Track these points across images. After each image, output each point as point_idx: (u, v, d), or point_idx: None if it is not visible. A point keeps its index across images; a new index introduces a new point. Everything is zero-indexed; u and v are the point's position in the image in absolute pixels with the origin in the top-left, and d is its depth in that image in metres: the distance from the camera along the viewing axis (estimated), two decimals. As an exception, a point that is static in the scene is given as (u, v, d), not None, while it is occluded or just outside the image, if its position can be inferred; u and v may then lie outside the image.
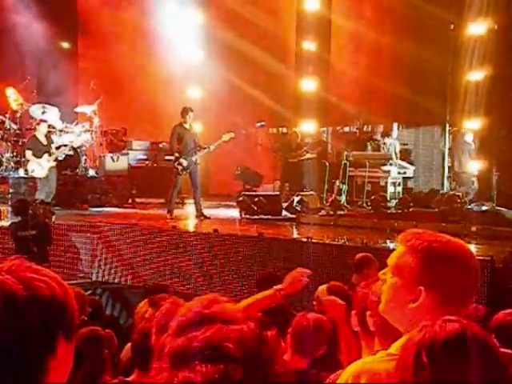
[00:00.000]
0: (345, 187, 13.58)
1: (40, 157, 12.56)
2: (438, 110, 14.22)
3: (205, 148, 12.05)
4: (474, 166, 14.33)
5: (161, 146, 16.10)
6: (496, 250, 8.11)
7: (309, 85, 15.27)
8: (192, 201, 12.53)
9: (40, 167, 12.53)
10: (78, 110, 15.43)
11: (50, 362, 1.26)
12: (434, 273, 1.95)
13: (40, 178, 12.58)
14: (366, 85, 14.51)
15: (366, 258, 6.22)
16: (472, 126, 13.90)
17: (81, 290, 5.41)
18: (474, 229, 9.75)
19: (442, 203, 13.45)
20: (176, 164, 11.77)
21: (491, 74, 13.60)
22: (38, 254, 9.03)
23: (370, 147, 14.66)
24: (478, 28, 13.52)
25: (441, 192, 13.93)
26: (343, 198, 13.48)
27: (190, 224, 11.75)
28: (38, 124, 12.87)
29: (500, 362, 1.54)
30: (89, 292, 8.94)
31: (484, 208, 13.55)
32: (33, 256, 8.37)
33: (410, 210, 12.86)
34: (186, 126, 11.94)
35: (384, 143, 14.67)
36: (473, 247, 8.42)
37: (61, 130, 14.25)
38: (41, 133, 12.76)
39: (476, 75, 13.62)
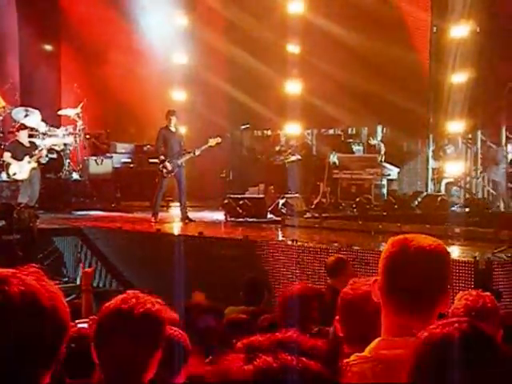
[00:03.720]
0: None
1: (21, 159, 12.46)
2: (423, 112, 14.31)
3: (190, 152, 12.02)
4: (457, 168, 14.43)
5: (145, 149, 16.04)
6: (480, 251, 8.16)
7: (293, 87, 15.30)
8: (177, 204, 12.50)
9: (21, 170, 12.44)
10: (62, 112, 15.34)
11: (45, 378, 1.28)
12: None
13: (22, 181, 12.49)
14: (350, 87, 14.54)
15: (338, 261, 6.19)
16: (455, 128, 14.00)
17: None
18: (457, 230, 9.80)
19: (425, 205, 13.53)
20: (161, 167, 11.74)
21: (474, 76, 13.72)
22: (23, 258, 8.95)
23: (355, 149, 14.71)
24: (460, 31, 13.62)
25: (425, 194, 14.01)
26: (327, 201, 13.51)
27: (175, 227, 11.71)
28: (18, 130, 12.78)
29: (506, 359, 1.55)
30: (73, 296, 8.87)
31: (467, 210, 13.64)
32: (18, 260, 8.30)
33: (395, 211, 12.90)
34: (172, 128, 11.91)
35: (370, 145, 14.74)
36: (456, 249, 8.47)
37: (44, 133, 14.16)
38: (23, 137, 12.67)
39: (459, 77, 13.72)
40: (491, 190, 14.44)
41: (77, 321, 4.20)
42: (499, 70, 13.73)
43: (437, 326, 1.58)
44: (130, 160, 16.26)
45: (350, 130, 16.03)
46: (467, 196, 14.32)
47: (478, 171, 14.50)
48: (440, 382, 1.53)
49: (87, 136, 15.08)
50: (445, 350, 1.53)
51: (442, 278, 1.98)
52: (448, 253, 2.04)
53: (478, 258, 7.29)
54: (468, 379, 1.51)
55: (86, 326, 4.22)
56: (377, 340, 2.00)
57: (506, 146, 12.74)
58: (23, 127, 12.87)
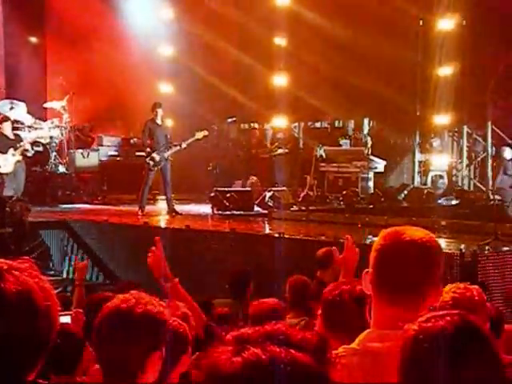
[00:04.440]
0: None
1: (5, 152, 12.36)
2: (409, 105, 14.34)
3: (176, 145, 11.99)
4: (443, 161, 14.50)
5: (132, 142, 15.98)
6: (465, 243, 8.21)
7: (280, 80, 15.28)
8: (164, 197, 12.46)
9: (6, 162, 12.33)
10: (47, 105, 15.23)
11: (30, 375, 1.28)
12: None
13: (7, 174, 12.39)
14: (337, 80, 14.56)
15: (328, 253, 6.20)
16: (441, 121, 14.06)
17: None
18: (443, 223, 9.85)
19: (412, 198, 13.60)
20: (148, 160, 11.69)
21: (460, 69, 13.76)
22: (15, 251, 8.90)
23: (342, 142, 14.73)
24: (446, 24, 13.65)
25: (411, 186, 14.07)
26: (314, 194, 13.54)
27: (162, 220, 11.69)
28: (1, 122, 12.66)
29: (496, 352, 1.57)
30: (59, 289, 8.85)
31: (453, 202, 13.72)
32: (10, 254, 8.26)
33: (381, 204, 12.95)
34: (158, 121, 11.86)
35: (357, 138, 14.76)
36: (442, 241, 8.51)
37: (30, 126, 14.06)
38: (6, 129, 12.56)
39: (445, 70, 13.76)
40: (477, 183, 14.53)
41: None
42: (485, 63, 13.79)
43: (427, 319, 1.58)
44: (116, 153, 16.19)
45: (336, 123, 16.05)
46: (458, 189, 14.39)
47: (464, 164, 14.58)
48: (434, 375, 1.53)
49: (71, 129, 14.97)
50: (439, 343, 1.53)
51: (434, 270, 1.97)
52: (439, 246, 2.04)
53: (463, 251, 7.34)
54: (460, 373, 1.52)
55: (68, 319, 4.20)
56: (366, 332, 2.00)
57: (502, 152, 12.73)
58: (6, 119, 12.76)
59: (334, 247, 4.17)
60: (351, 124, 15.70)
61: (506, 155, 12.65)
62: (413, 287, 1.94)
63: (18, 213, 10.05)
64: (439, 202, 13.54)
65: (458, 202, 13.52)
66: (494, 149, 14.47)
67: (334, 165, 13.84)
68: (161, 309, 2.15)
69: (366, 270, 2.03)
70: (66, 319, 4.23)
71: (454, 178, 14.60)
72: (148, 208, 12.22)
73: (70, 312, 4.49)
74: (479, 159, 14.60)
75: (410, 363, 1.55)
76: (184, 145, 12.02)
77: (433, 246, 1.98)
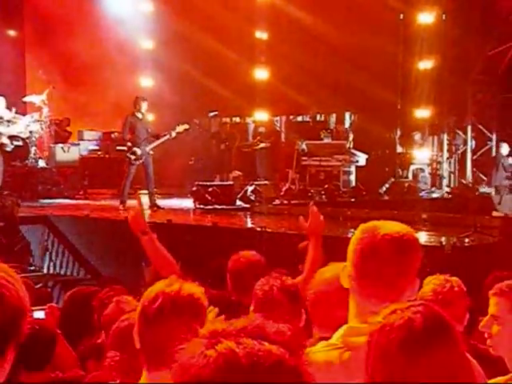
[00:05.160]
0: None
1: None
2: (390, 99, 14.39)
3: (158, 139, 11.93)
4: (424, 155, 14.58)
5: (113, 136, 15.88)
6: (446, 236, 8.27)
7: (261, 74, 15.26)
8: (145, 191, 12.41)
9: None
10: (27, 99, 15.07)
11: None
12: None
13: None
14: (318, 74, 14.57)
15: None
16: (422, 114, 14.12)
17: (28, 282, 5.28)
18: (424, 216, 9.91)
19: (393, 191, 13.67)
20: (129, 154, 11.63)
21: (440, 63, 13.84)
22: (6, 245, 8.84)
23: (323, 136, 14.75)
24: (426, 17, 13.71)
25: (392, 180, 14.14)
26: (296, 187, 13.56)
27: (144, 215, 11.61)
28: None
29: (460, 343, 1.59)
30: (40, 285, 8.78)
31: (434, 195, 13.82)
32: (2, 248, 8.23)
33: (363, 198, 13.00)
34: (139, 115, 11.79)
35: (339, 132, 14.79)
36: (423, 234, 8.57)
37: (9, 121, 13.91)
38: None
39: (426, 64, 13.82)
40: (458, 176, 14.64)
41: (33, 308, 4.12)
42: (465, 57, 13.88)
43: (393, 311, 1.59)
44: (97, 147, 16.10)
45: (318, 116, 16.08)
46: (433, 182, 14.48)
47: (445, 157, 14.67)
48: (400, 365, 1.54)
49: (51, 123, 14.83)
50: (405, 334, 1.55)
51: (411, 264, 1.98)
52: (417, 239, 2.05)
53: (443, 243, 7.39)
54: (426, 362, 1.54)
55: (42, 314, 4.16)
56: (344, 327, 2.00)
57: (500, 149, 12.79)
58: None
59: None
60: (333, 118, 15.74)
61: (503, 151, 12.71)
62: (390, 281, 1.95)
63: (9, 207, 9.97)
64: (420, 194, 13.62)
65: (444, 193, 13.63)
66: (474, 142, 14.58)
67: (316, 159, 13.86)
68: (201, 293, 2.15)
69: (344, 264, 2.03)
70: (41, 314, 4.19)
71: (434, 172, 14.69)
72: (129, 202, 12.14)
73: (44, 307, 4.45)
74: (459, 152, 14.70)
75: (377, 355, 1.56)
76: (165, 138, 11.97)
77: (410, 240, 1.99)
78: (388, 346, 1.55)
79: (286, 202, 12.57)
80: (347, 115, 15.51)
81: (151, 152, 11.85)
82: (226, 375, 1.02)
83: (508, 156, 12.96)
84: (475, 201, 12.67)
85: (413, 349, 1.53)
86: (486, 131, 14.45)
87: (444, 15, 13.88)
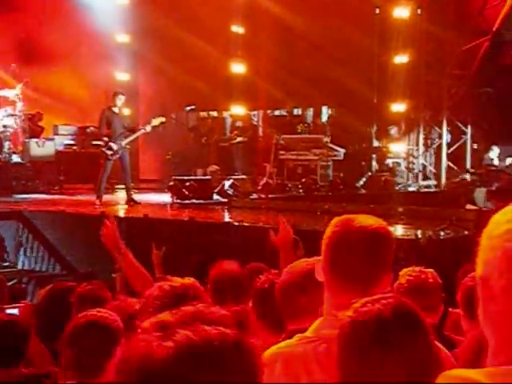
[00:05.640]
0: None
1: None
2: (367, 93, 14.46)
3: (134, 133, 11.86)
4: (400, 149, 14.67)
5: (88, 130, 15.73)
6: (422, 229, 8.33)
7: (238, 68, 15.22)
8: (122, 186, 12.33)
9: None
10: (0, 94, 14.87)
11: None
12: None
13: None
14: (295, 68, 14.58)
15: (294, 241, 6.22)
16: (398, 108, 14.20)
17: (2, 278, 5.22)
18: (400, 209, 9.98)
19: (370, 185, 13.75)
20: (105, 149, 11.54)
21: (415, 57, 13.93)
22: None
23: (301, 130, 14.78)
24: (402, 12, 13.77)
25: (369, 174, 14.22)
26: (274, 182, 13.56)
27: (120, 209, 11.56)
28: None
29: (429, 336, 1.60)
30: (14, 281, 8.69)
31: (411, 189, 13.92)
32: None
33: (340, 192, 13.05)
34: (115, 109, 11.70)
35: (316, 126, 14.83)
36: (399, 227, 8.63)
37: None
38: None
39: (401, 58, 13.90)
40: (433, 170, 14.75)
41: (5, 306, 4.08)
42: (440, 52, 13.98)
43: (363, 304, 1.61)
44: (72, 142, 15.93)
45: (295, 111, 16.09)
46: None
47: (421, 151, 14.77)
48: (371, 358, 1.56)
49: (25, 117, 14.65)
50: (376, 327, 1.56)
51: (385, 257, 2.00)
52: (390, 233, 2.07)
53: (419, 236, 7.45)
54: (396, 354, 1.55)
55: (16, 311, 4.11)
56: (319, 320, 2.01)
57: (489, 151, 12.80)
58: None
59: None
60: (310, 112, 15.76)
61: (492, 155, 12.70)
62: (364, 274, 1.96)
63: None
64: (397, 188, 13.71)
65: (414, 188, 13.73)
66: (449, 136, 14.70)
67: (293, 153, 13.88)
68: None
69: (318, 257, 2.03)
70: (15, 311, 4.15)
71: (410, 165, 14.79)
72: (106, 197, 12.07)
73: (18, 305, 4.40)
74: (435, 146, 14.81)
75: (348, 349, 1.58)
76: (141, 132, 11.90)
77: (383, 233, 2.00)
78: (359, 340, 1.56)
79: (263, 196, 12.57)
80: (324, 109, 15.55)
81: (127, 146, 11.77)
82: (188, 363, 1.02)
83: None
84: (449, 194, 12.82)
85: (383, 341, 1.54)
86: (460, 125, 14.58)
87: (419, 10, 13.97)
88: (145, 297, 2.09)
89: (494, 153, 12.68)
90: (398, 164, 14.60)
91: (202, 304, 1.13)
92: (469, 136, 14.55)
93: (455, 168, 14.33)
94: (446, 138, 14.54)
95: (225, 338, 1.06)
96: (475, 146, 14.69)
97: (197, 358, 1.03)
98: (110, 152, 11.50)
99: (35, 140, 14.70)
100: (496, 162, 12.70)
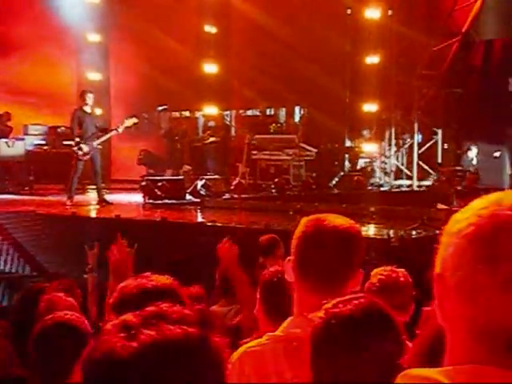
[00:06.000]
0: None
1: None
2: (340, 93, 14.53)
3: (106, 133, 11.78)
4: (372, 148, 14.77)
5: (59, 130, 15.57)
6: (393, 228, 8.39)
7: (210, 68, 15.19)
8: (93, 186, 12.23)
9: None
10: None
11: None
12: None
13: None
14: (268, 68, 14.59)
15: (272, 240, 6.24)
16: (370, 108, 14.31)
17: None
18: (372, 209, 10.04)
19: (342, 184, 13.81)
20: (76, 149, 11.44)
21: (386, 58, 14.05)
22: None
23: (273, 130, 14.79)
24: (373, 13, 13.88)
25: (341, 173, 14.28)
26: (247, 182, 13.57)
27: (91, 210, 11.46)
28: None
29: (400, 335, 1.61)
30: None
31: (383, 189, 14.02)
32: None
33: (313, 191, 13.09)
34: (87, 109, 11.60)
35: (289, 126, 14.86)
36: (371, 227, 8.68)
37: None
38: None
39: (373, 59, 14.00)
40: (405, 169, 14.87)
41: None
42: (411, 52, 14.11)
43: (334, 305, 1.62)
44: (43, 142, 15.75)
45: (268, 110, 16.11)
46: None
47: (393, 151, 14.89)
48: (344, 357, 1.57)
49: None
50: (348, 327, 1.57)
51: (355, 257, 2.01)
52: (360, 232, 2.08)
53: (391, 235, 7.50)
54: (368, 353, 1.57)
55: None
56: (289, 319, 2.01)
57: (467, 151, 12.89)
58: None
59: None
60: (283, 112, 15.80)
61: (471, 155, 12.78)
62: (334, 273, 1.97)
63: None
64: (369, 188, 13.80)
65: (386, 188, 13.84)
66: (420, 136, 14.84)
67: (266, 153, 13.89)
68: None
69: (288, 257, 2.04)
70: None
71: (382, 165, 14.90)
72: (77, 198, 11.96)
73: None
74: (407, 146, 14.94)
75: (320, 350, 1.58)
76: (113, 133, 11.82)
77: (353, 232, 2.01)
78: (331, 340, 1.56)
79: (236, 196, 12.56)
80: (297, 109, 15.59)
81: (99, 147, 11.68)
82: (153, 363, 1.02)
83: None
84: (421, 194, 12.94)
85: (355, 341, 1.55)
86: (431, 125, 14.73)
87: (390, 11, 14.09)
88: (119, 292, 2.06)
89: (473, 152, 12.80)
90: (371, 164, 14.70)
91: (166, 304, 1.12)
92: (440, 136, 14.70)
93: (426, 168, 14.47)
94: (417, 138, 14.68)
95: (189, 336, 1.06)
96: (446, 146, 14.84)
97: (161, 357, 1.03)
98: (81, 152, 11.40)
99: (5, 140, 14.50)
100: (475, 161, 12.79)
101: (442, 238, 0.99)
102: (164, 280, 2.07)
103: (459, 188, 12.05)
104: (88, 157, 11.48)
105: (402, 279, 3.40)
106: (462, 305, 0.95)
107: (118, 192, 13.62)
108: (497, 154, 12.31)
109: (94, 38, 16.25)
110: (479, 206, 0.96)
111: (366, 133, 14.79)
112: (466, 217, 0.96)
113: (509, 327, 0.92)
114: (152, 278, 2.07)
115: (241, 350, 2.03)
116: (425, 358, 1.67)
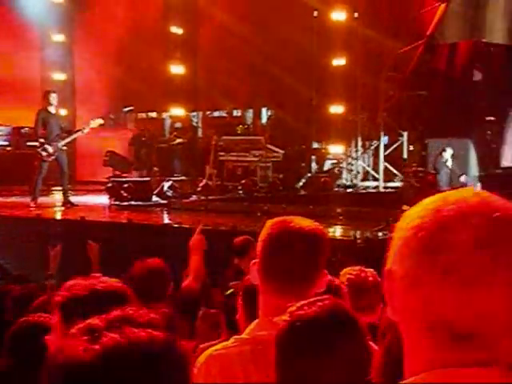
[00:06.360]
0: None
1: None
2: (307, 95, 14.59)
3: (71, 134, 11.65)
4: (339, 150, 14.87)
5: (23, 131, 15.36)
6: (360, 230, 8.45)
7: (177, 69, 15.12)
8: (59, 188, 12.08)
9: None
10: None
11: None
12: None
13: None
14: (235, 69, 14.59)
15: (246, 241, 6.24)
16: (337, 110, 14.39)
17: None
18: (339, 210, 10.10)
19: (309, 186, 13.87)
20: (40, 150, 11.28)
21: (352, 60, 14.15)
22: None
23: (240, 131, 14.78)
24: (339, 15, 13.98)
25: (308, 175, 14.34)
26: (214, 183, 13.53)
27: (56, 212, 11.31)
28: None
29: (364, 339, 1.62)
30: None
31: (349, 190, 14.11)
32: None
33: (280, 193, 13.11)
34: (51, 110, 11.45)
35: (256, 127, 14.87)
36: (338, 228, 8.72)
37: None
38: None
39: (339, 61, 14.10)
40: (371, 171, 14.99)
41: None
42: (376, 55, 14.24)
43: (299, 308, 1.63)
44: (6, 143, 15.53)
45: (235, 112, 16.10)
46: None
47: (359, 152, 15.00)
48: (310, 360, 1.57)
49: None
50: (313, 329, 1.58)
51: (319, 258, 2.02)
52: (325, 234, 2.10)
53: (357, 237, 7.54)
54: (333, 355, 1.57)
55: None
56: (255, 321, 2.01)
57: (441, 153, 12.97)
58: None
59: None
60: (250, 113, 15.80)
61: (446, 155, 12.86)
62: (300, 275, 1.98)
63: None
64: (336, 189, 13.87)
65: (352, 189, 13.93)
66: (386, 138, 14.97)
67: (233, 154, 13.87)
68: None
69: (253, 260, 2.04)
70: None
71: (349, 167, 15.00)
72: (42, 199, 11.80)
73: None
74: (373, 148, 15.06)
75: (285, 352, 1.58)
76: (78, 134, 11.69)
77: (318, 234, 2.02)
78: (296, 342, 1.57)
79: (203, 197, 12.52)
80: (264, 111, 15.61)
81: (64, 148, 11.55)
82: (116, 366, 1.01)
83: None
84: (387, 195, 13.05)
85: (319, 343, 1.56)
86: (397, 127, 14.87)
87: (356, 13, 14.20)
88: (67, 290, 2.01)
89: (448, 154, 12.95)
90: (337, 165, 14.78)
91: (132, 307, 1.11)
92: (405, 138, 14.85)
93: (393, 169, 14.60)
94: (384, 139, 14.80)
95: (153, 340, 1.05)
96: (412, 148, 15.00)
97: (125, 360, 1.01)
98: (45, 153, 11.25)
99: (-34, 141, 14.27)
100: (450, 162, 12.93)
101: (394, 234, 1.01)
102: (115, 283, 2.04)
103: (419, 188, 12.20)
104: (52, 158, 11.34)
105: (370, 279, 3.41)
106: (407, 298, 0.96)
107: (83, 194, 13.47)
108: (462, 178, 12.50)
109: (58, 37, 16.05)
110: (428, 202, 0.99)
111: (332, 134, 14.87)
112: (414, 212, 0.99)
113: (449, 319, 0.92)
114: (102, 280, 2.04)
115: (207, 353, 2.01)
116: (393, 364, 1.68)
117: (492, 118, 13.96)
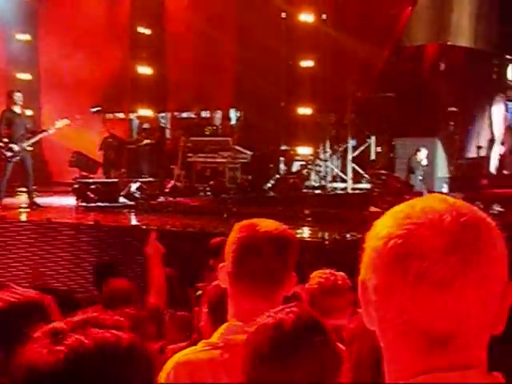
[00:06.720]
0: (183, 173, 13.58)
1: None
2: (275, 96, 14.62)
3: (36, 134, 11.50)
4: (307, 151, 14.92)
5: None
6: (328, 231, 8.47)
7: (145, 70, 15.02)
8: (24, 189, 11.90)
9: None
10: None
11: None
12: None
13: None
14: (204, 70, 14.54)
15: (222, 242, 6.20)
16: (305, 111, 14.44)
17: None
18: (307, 212, 10.12)
19: (278, 187, 13.89)
20: (5, 151, 11.11)
21: (320, 61, 14.24)
22: None
23: (208, 133, 14.73)
24: (307, 17, 14.04)
25: (277, 176, 14.36)
26: (182, 184, 13.47)
27: (21, 213, 11.13)
28: None
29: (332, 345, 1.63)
30: None
31: (317, 192, 14.17)
32: None
33: (248, 194, 13.11)
34: (16, 110, 11.29)
35: (224, 128, 14.83)
36: (306, 229, 8.74)
37: None
38: None
39: (307, 62, 14.16)
40: (339, 173, 15.07)
41: None
42: (344, 56, 14.33)
43: (267, 316, 1.65)
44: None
45: (203, 113, 16.04)
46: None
47: (328, 154, 15.06)
48: (276, 367, 1.59)
49: None
50: (278, 336, 1.59)
51: (288, 261, 2.02)
52: (294, 236, 2.11)
53: (325, 238, 7.57)
54: (300, 362, 1.58)
55: None
56: (224, 325, 2.00)
57: (416, 153, 13.04)
58: None
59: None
60: (218, 114, 15.74)
61: (421, 156, 12.91)
62: (269, 278, 1.98)
63: None
64: (304, 190, 13.92)
65: (321, 191, 14.00)
66: (354, 139, 15.07)
67: (201, 155, 13.82)
68: None
69: (222, 263, 2.04)
70: None
71: (317, 168, 15.05)
72: (6, 201, 11.62)
73: None
74: (341, 149, 15.14)
75: (251, 357, 1.60)
76: (43, 134, 11.55)
77: (286, 236, 2.03)
78: (260, 348, 1.59)
79: (171, 198, 12.45)
80: (232, 112, 15.58)
81: (29, 148, 11.39)
82: (80, 367, 1.00)
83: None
84: (355, 197, 13.15)
85: (283, 349, 1.58)
86: (365, 129, 14.98)
87: (324, 15, 14.28)
88: None
89: (423, 154, 13.05)
90: (306, 167, 14.82)
91: (97, 310, 1.10)
92: (373, 140, 14.96)
93: (360, 171, 14.70)
94: (352, 141, 14.89)
95: (119, 340, 1.04)
96: (379, 150, 15.11)
97: (89, 361, 1.01)
98: (9, 154, 11.09)
99: None
100: (424, 162, 13.03)
101: (364, 244, 1.01)
102: (32, 295, 1.98)
103: (381, 190, 12.32)
104: (17, 158, 11.18)
105: (340, 282, 3.43)
106: (382, 307, 0.97)
107: (50, 195, 13.29)
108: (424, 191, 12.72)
109: (23, 36, 15.82)
110: (396, 210, 1.00)
111: (301, 135, 14.91)
112: (384, 221, 0.99)
113: (425, 324, 0.93)
114: (18, 292, 1.99)
115: (174, 358, 1.99)
116: (363, 369, 1.70)
117: (454, 109, 14.16)
